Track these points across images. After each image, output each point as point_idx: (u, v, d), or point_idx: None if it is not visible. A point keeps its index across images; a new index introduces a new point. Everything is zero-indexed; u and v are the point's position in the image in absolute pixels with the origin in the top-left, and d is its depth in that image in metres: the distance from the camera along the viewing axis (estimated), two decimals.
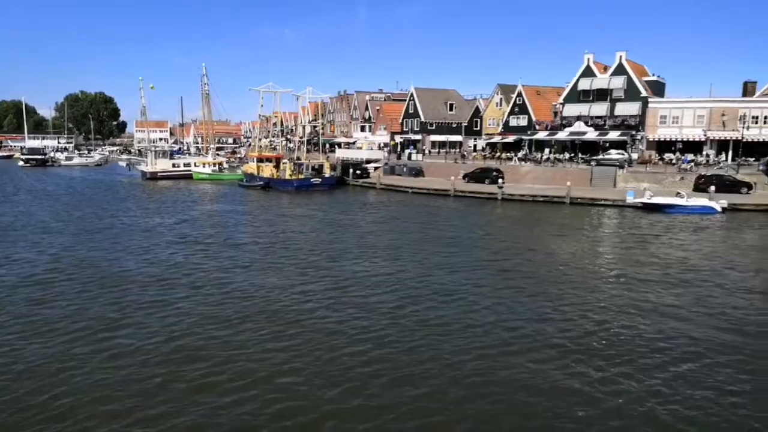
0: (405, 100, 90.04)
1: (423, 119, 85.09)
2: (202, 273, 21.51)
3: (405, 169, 63.42)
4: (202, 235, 30.27)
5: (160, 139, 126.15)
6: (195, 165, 70.94)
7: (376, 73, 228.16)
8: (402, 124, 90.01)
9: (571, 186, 46.33)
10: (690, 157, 55.15)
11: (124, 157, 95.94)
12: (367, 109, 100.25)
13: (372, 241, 29.24)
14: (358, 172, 63.15)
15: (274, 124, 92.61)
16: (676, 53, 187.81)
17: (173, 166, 70.49)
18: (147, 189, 58.06)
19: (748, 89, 63.09)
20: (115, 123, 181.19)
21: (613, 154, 56.73)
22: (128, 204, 44.86)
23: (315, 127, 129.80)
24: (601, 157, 56.63)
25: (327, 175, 60.11)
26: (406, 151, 77.07)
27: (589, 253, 26.87)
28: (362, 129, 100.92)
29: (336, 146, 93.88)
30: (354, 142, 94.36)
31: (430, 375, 12.65)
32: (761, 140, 53.83)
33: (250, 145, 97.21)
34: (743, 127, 51.51)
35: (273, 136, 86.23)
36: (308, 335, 14.90)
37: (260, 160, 62.87)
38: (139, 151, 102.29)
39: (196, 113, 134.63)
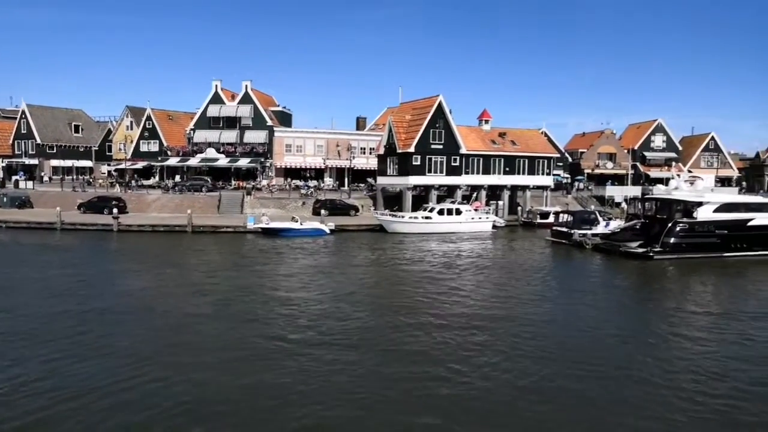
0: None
1: (40, 141, 72.77)
2: None
3: (6, 199, 52.63)
4: None
5: None
6: None
7: None
8: (13, 146, 75.43)
9: (196, 214, 44.61)
10: (313, 183, 59.59)
11: None
12: None
13: None
14: None
15: None
16: (310, 88, 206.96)
17: None
18: None
19: (360, 124, 72.13)
20: None
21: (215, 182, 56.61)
22: None
23: None
24: (186, 182, 56.54)
25: None
26: (14, 178, 64.40)
27: (175, 283, 24.79)
28: None
29: None
30: None
31: None
32: (368, 168, 61.51)
33: None
34: (352, 157, 58.05)
35: None
36: None
37: None
38: None
39: None
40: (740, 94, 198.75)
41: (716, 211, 34.17)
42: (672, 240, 32.98)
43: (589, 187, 71.31)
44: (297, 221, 42.30)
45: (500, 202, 54.08)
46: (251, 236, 41.08)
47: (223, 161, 60.16)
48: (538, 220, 50.63)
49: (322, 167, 61.33)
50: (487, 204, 52.77)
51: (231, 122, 61.51)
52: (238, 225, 43.40)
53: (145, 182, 60.66)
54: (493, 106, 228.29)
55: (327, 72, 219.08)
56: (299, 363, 14.60)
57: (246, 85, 61.26)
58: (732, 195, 42.76)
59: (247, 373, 13.90)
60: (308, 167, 61.46)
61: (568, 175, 78.90)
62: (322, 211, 45.75)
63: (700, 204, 34.25)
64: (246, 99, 61.08)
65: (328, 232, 42.17)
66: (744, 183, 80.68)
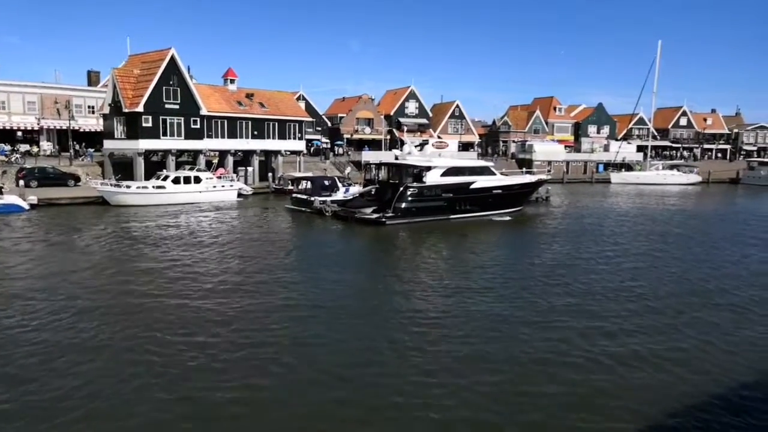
0: None
1: None
2: None
3: None
4: None
5: None
6: None
7: None
8: None
9: None
10: (24, 147, 49.29)
11: None
12: None
13: None
14: None
15: None
16: (32, 35, 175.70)
17: None
18: None
19: (92, 78, 62.02)
20: None
21: None
22: None
23: None
24: None
25: None
26: None
27: None
28: None
29: None
30: None
31: None
32: (99, 130, 52.86)
33: None
34: (71, 116, 49.04)
35: None
36: None
37: None
38: None
39: None
40: (486, 68, 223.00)
41: (443, 175, 35.41)
42: (403, 205, 33.28)
43: (348, 152, 71.84)
44: None
45: (250, 169, 50.79)
46: None
47: None
48: (290, 187, 48.54)
49: (36, 128, 50.97)
50: (235, 171, 49.13)
51: None
52: None
53: None
54: (255, 69, 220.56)
55: (51, 17, 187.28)
56: None
57: None
58: (457, 159, 45.30)
59: None
60: (16, 128, 50.54)
61: (328, 140, 78.71)
62: (21, 182, 37.49)
63: (429, 168, 35.15)
64: None
65: (27, 207, 34.59)
66: (482, 148, 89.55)
